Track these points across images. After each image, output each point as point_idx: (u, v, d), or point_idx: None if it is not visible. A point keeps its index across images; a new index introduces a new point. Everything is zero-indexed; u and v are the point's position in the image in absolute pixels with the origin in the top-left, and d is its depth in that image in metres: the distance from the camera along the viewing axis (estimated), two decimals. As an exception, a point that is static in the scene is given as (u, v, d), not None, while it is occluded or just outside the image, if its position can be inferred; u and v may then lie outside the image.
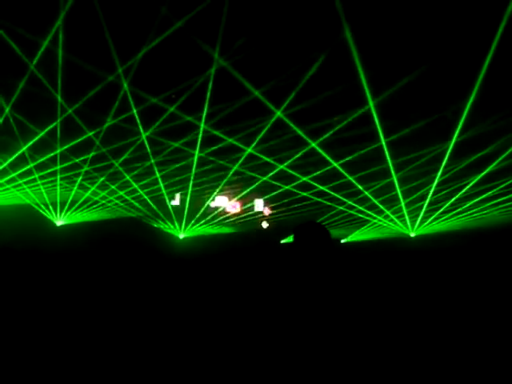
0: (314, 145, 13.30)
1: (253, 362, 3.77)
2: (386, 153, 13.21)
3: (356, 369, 3.64)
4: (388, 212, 16.34)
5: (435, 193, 15.00)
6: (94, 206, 17.03)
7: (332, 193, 15.74)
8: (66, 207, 16.62)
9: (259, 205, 18.26)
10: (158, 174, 15.79)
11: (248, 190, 16.42)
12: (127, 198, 16.86)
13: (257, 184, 15.90)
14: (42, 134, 13.75)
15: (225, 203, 18.40)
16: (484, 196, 14.87)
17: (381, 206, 16.06)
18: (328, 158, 13.80)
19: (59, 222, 16.72)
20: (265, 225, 18.15)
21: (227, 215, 18.45)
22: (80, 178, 15.72)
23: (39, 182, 15.52)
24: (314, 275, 3.52)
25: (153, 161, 15.22)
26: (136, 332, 5.86)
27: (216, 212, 18.22)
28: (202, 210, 17.78)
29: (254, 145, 13.83)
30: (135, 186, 16.32)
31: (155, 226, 17.89)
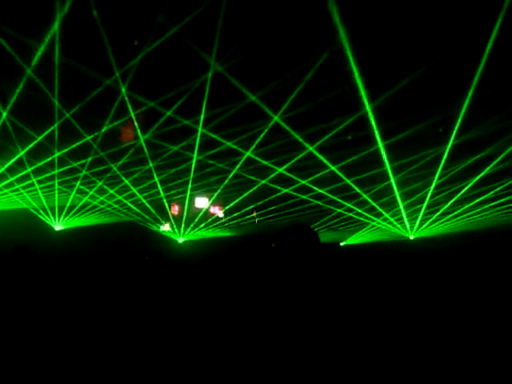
0: (311, 149, 13.30)
1: (247, 362, 3.76)
2: (384, 156, 13.21)
3: (351, 370, 3.63)
4: (387, 215, 16.32)
5: (433, 195, 14.99)
6: (93, 211, 17.00)
7: (331, 196, 15.73)
8: (65, 212, 16.59)
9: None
10: (156, 178, 15.76)
11: (247, 193, 16.39)
12: (126, 202, 16.83)
13: (256, 187, 15.88)
14: (39, 138, 13.74)
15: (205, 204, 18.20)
16: (482, 198, 14.86)
17: (379, 209, 16.05)
18: (326, 161, 13.80)
19: (58, 227, 16.69)
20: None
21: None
22: (78, 182, 15.70)
23: (37, 187, 15.49)
24: (296, 275, 3.53)
25: (151, 164, 15.21)
26: (135, 335, 5.85)
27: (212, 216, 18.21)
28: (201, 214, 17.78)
29: (252, 148, 13.82)
30: (134, 190, 16.30)
31: (154, 229, 17.88)
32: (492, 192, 14.59)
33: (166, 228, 17.97)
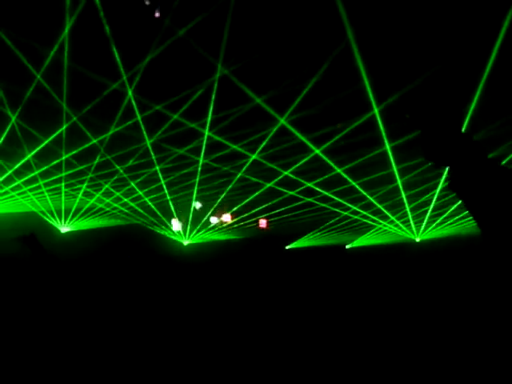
0: (317, 151, 13.32)
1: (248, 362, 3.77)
2: (391, 158, 13.21)
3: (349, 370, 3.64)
4: (393, 217, 16.32)
5: (440, 197, 14.98)
6: (99, 213, 17.08)
7: (337, 198, 15.74)
8: (71, 214, 16.67)
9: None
10: (162, 181, 15.83)
11: (251, 197, 16.42)
12: (132, 204, 16.91)
13: (261, 190, 15.91)
14: (46, 141, 13.81)
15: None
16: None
17: (386, 212, 16.05)
18: (332, 164, 13.81)
19: (64, 229, 16.77)
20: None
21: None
22: (85, 184, 15.77)
23: (44, 189, 15.57)
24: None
25: (157, 167, 15.27)
26: (140, 336, 5.87)
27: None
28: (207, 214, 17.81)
29: (258, 151, 13.86)
30: (140, 192, 16.37)
31: (160, 232, 17.93)
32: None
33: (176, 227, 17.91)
